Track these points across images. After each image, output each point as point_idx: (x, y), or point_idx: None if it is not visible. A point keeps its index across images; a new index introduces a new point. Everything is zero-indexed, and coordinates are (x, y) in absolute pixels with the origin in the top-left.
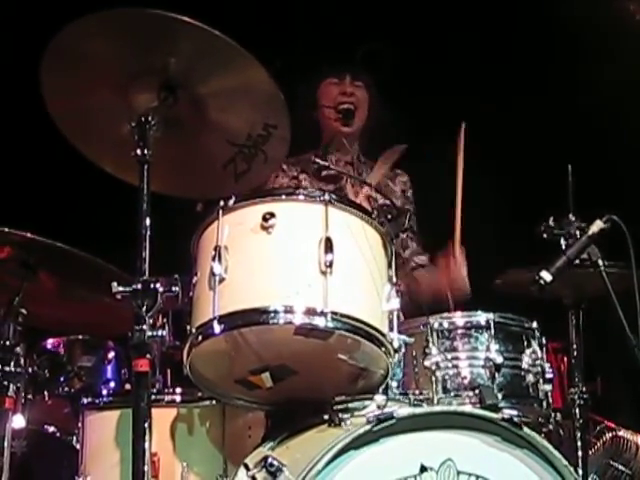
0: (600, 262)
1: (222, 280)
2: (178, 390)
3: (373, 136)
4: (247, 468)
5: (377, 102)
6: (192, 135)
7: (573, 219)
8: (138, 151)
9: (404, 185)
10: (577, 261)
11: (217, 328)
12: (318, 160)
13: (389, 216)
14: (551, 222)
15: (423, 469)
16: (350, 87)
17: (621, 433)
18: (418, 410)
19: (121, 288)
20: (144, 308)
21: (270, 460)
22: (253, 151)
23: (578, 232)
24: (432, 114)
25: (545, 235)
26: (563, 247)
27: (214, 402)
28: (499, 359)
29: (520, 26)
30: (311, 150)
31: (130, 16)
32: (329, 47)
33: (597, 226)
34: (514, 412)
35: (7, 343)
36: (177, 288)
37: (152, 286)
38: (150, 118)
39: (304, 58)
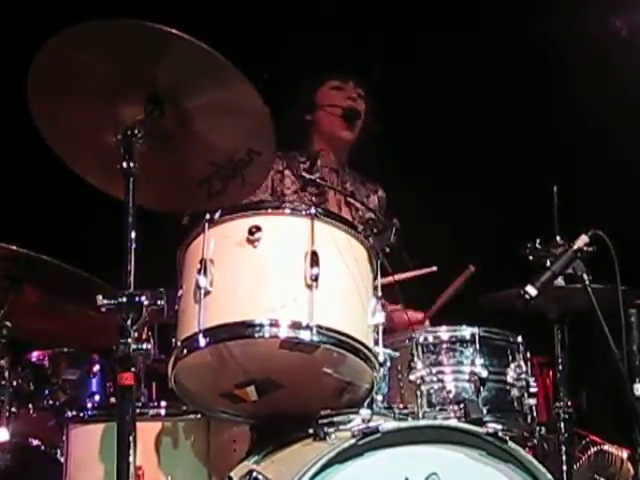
0: (585, 277)
1: (207, 293)
2: (163, 404)
3: (362, 149)
4: None
5: (371, 115)
6: (174, 150)
7: (560, 241)
8: (124, 164)
9: (381, 201)
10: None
11: (202, 341)
12: (305, 174)
13: (375, 230)
14: (537, 244)
15: None
16: (354, 93)
17: (606, 447)
18: (403, 424)
19: (106, 301)
20: (129, 321)
21: (255, 474)
22: (231, 173)
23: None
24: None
25: (531, 257)
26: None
27: (199, 416)
28: (484, 373)
29: (502, 49)
30: (298, 149)
31: (117, 28)
32: (321, 55)
33: (582, 241)
34: (499, 426)
35: None
36: (162, 301)
37: (137, 299)
38: (136, 131)
39: (294, 65)
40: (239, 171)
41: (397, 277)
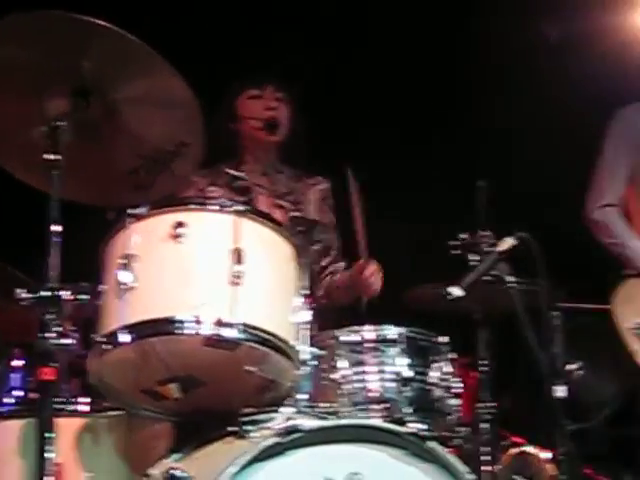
0: (509, 278)
1: (130, 289)
2: (84, 400)
3: (291, 148)
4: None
5: (296, 116)
6: (101, 141)
7: (485, 234)
8: (48, 156)
9: (323, 192)
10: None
11: (124, 337)
12: (232, 171)
13: (301, 228)
14: (463, 238)
15: None
16: (273, 101)
17: (527, 449)
18: (325, 423)
19: (26, 295)
20: (50, 316)
21: (175, 472)
22: (159, 166)
23: (490, 248)
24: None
25: (457, 251)
26: (474, 263)
27: (120, 412)
28: (407, 373)
29: (437, 50)
30: (223, 162)
31: (40, 19)
32: (246, 60)
33: (507, 243)
34: (421, 426)
35: None
36: (85, 296)
37: (59, 294)
38: (62, 122)
39: (222, 69)
40: (167, 164)
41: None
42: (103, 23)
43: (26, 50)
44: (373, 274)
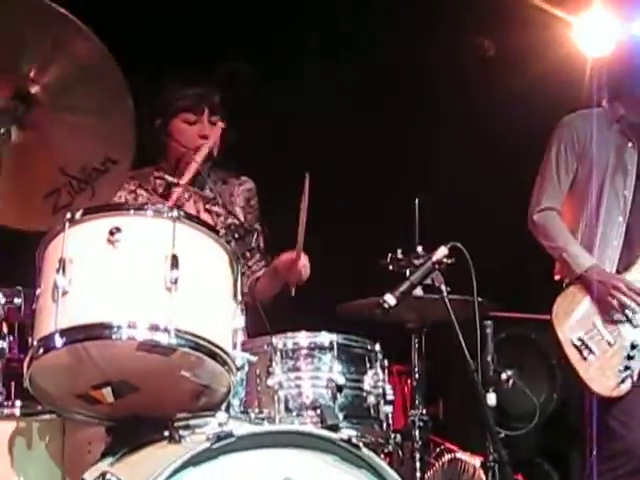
0: (443, 288)
1: (65, 293)
2: (18, 403)
3: (221, 155)
4: None
5: (231, 131)
6: (23, 157)
7: (420, 252)
8: None
9: (248, 193)
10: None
11: (59, 341)
12: (166, 177)
13: (236, 235)
14: (399, 254)
15: None
16: (207, 127)
17: (459, 455)
18: (258, 429)
19: None
20: None
21: (108, 476)
22: (82, 186)
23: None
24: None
25: (391, 267)
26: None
27: (54, 416)
28: (341, 380)
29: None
30: (150, 165)
31: None
32: (186, 67)
33: (441, 253)
34: (354, 432)
35: None
36: (20, 300)
37: None
38: None
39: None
40: (91, 183)
41: None
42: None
43: None
44: (305, 265)
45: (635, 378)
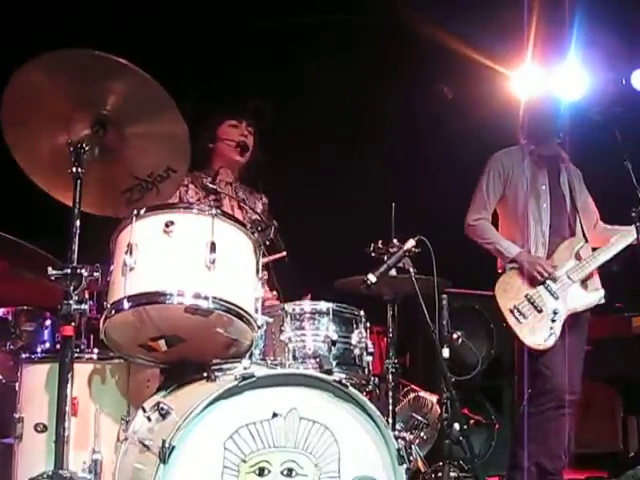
0: (411, 270)
1: (132, 269)
2: (95, 350)
3: (250, 170)
4: (144, 410)
5: (258, 147)
6: (106, 164)
7: (395, 243)
8: (74, 169)
9: (265, 206)
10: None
11: (126, 305)
12: (208, 183)
13: (259, 228)
14: (379, 244)
15: (274, 415)
16: (246, 131)
17: (421, 394)
18: (273, 371)
19: (55, 272)
20: (72, 287)
21: (161, 405)
22: (150, 186)
23: (397, 248)
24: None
25: (373, 254)
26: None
27: (122, 360)
28: (335, 336)
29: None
30: (201, 169)
31: (71, 57)
32: (222, 100)
33: (410, 244)
34: (344, 375)
35: None
36: (98, 274)
37: (78, 271)
38: (84, 145)
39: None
40: (156, 184)
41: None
42: (125, 62)
43: (59, 81)
44: None
45: (557, 336)
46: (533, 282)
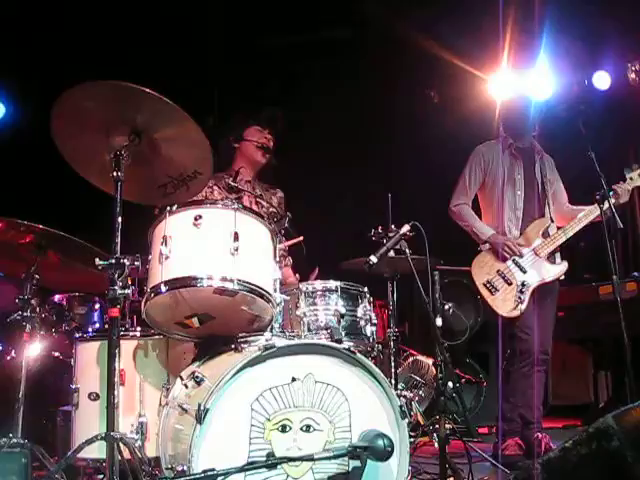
0: (407, 251)
1: (167, 258)
2: (138, 328)
3: (266, 171)
4: (182, 379)
5: (275, 152)
6: (145, 165)
7: (393, 228)
8: (114, 173)
9: (280, 199)
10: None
11: (163, 289)
12: (231, 182)
13: (275, 219)
14: (379, 229)
15: (293, 379)
16: (269, 136)
17: (419, 357)
18: (291, 342)
19: (101, 262)
20: (116, 275)
21: (196, 374)
22: (181, 184)
23: (394, 232)
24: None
25: (374, 238)
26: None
27: (162, 337)
28: (343, 310)
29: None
30: (223, 171)
31: (110, 86)
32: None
33: (405, 228)
34: (352, 344)
35: (26, 297)
36: (138, 262)
37: (121, 261)
38: (123, 152)
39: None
40: (186, 182)
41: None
42: (150, 90)
43: (101, 104)
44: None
45: (525, 305)
46: (503, 259)
